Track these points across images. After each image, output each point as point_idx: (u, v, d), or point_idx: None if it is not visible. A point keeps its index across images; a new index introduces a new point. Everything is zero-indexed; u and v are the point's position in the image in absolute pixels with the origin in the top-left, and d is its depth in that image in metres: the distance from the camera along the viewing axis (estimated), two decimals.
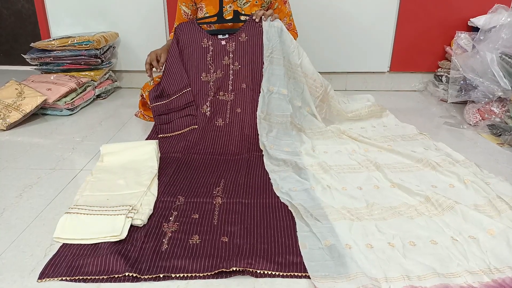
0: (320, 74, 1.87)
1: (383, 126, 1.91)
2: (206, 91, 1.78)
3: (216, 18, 1.80)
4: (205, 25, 1.84)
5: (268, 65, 1.75)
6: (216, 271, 0.96)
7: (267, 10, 1.92)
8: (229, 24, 1.85)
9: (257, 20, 1.78)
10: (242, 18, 1.81)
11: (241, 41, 1.79)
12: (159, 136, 1.71)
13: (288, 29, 1.87)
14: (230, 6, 1.83)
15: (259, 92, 1.74)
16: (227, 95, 1.78)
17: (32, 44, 2.31)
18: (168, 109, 1.74)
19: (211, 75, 1.78)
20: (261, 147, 1.59)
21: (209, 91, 1.77)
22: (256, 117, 1.68)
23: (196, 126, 1.72)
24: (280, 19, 1.86)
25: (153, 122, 1.80)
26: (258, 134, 1.64)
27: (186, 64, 1.80)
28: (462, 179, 1.36)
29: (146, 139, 1.73)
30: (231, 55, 1.78)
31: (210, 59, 1.79)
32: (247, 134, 1.68)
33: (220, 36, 1.80)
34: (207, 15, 1.84)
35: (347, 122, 1.92)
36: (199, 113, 1.75)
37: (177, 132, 1.72)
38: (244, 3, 1.85)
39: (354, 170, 1.46)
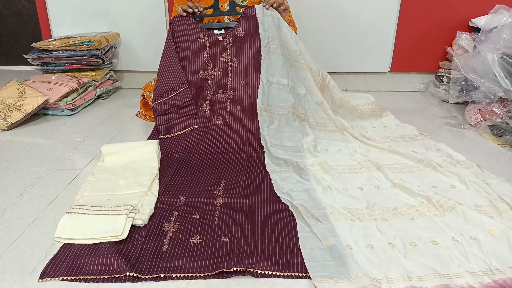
0: (318, 64, 1.84)
1: (383, 127, 1.91)
2: (205, 89, 1.76)
3: (212, 10, 1.78)
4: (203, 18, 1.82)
5: (265, 55, 1.73)
6: (217, 271, 0.96)
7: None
8: (226, 18, 1.83)
9: (267, 7, 1.74)
10: (239, 10, 1.77)
11: (238, 36, 1.76)
12: (159, 137, 1.70)
13: (289, 25, 1.87)
14: (227, 5, 1.82)
15: (259, 86, 1.73)
16: (226, 93, 1.76)
17: (33, 44, 2.31)
18: (167, 109, 1.71)
19: (209, 72, 1.76)
20: (262, 142, 1.59)
21: (208, 89, 1.76)
22: (256, 113, 1.67)
23: (197, 126, 1.71)
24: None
25: (154, 123, 1.80)
26: (259, 129, 1.63)
27: (183, 60, 1.76)
28: (463, 179, 1.36)
29: (147, 140, 1.73)
30: (228, 52, 1.76)
31: (207, 56, 1.76)
32: (248, 130, 1.67)
33: (216, 32, 1.77)
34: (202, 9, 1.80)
35: (349, 115, 1.90)
36: (198, 112, 1.74)
37: (177, 133, 1.70)
38: (242, 1, 1.84)
39: (355, 170, 1.46)
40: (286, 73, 1.73)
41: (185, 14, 1.74)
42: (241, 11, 1.78)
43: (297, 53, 1.76)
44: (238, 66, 1.76)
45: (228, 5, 1.81)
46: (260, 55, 1.74)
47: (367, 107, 1.99)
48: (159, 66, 1.76)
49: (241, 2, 1.84)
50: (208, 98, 1.75)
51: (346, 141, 1.67)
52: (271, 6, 1.75)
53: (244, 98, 1.75)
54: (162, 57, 1.76)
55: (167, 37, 1.78)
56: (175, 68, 1.74)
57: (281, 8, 1.76)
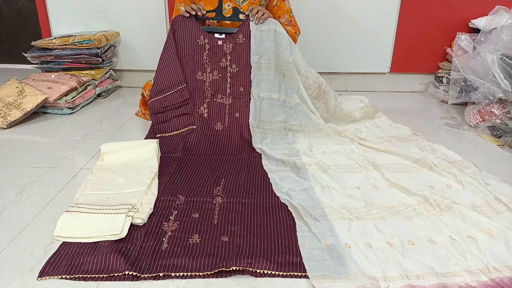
0: (313, 71, 1.85)
1: (376, 127, 1.91)
2: (202, 90, 1.76)
3: (214, 14, 1.79)
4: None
5: (256, 71, 1.74)
6: (216, 270, 0.97)
7: (266, 8, 1.92)
8: (228, 22, 1.84)
9: (251, 19, 1.76)
10: (241, 16, 1.79)
11: (238, 42, 1.77)
12: (157, 136, 1.70)
13: (289, 25, 1.86)
14: (228, 5, 1.83)
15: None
16: (225, 99, 1.76)
17: (33, 43, 2.31)
18: (164, 107, 1.72)
19: (207, 75, 1.76)
20: (259, 151, 1.60)
21: (206, 92, 1.76)
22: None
23: (194, 127, 1.71)
24: (280, 16, 1.85)
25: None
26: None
27: (182, 59, 1.77)
28: (459, 179, 1.36)
29: (144, 139, 1.73)
30: (228, 57, 1.77)
31: (206, 58, 1.77)
32: (247, 139, 1.67)
33: (216, 35, 1.78)
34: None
35: (342, 122, 1.91)
36: (196, 113, 1.74)
37: (174, 132, 1.71)
38: (242, 1, 1.85)
39: (352, 169, 1.46)
40: (278, 86, 1.75)
41: (187, 15, 1.75)
42: (243, 18, 1.78)
43: (289, 63, 1.77)
44: (238, 72, 1.77)
45: (228, 4, 1.82)
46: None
47: (360, 112, 1.99)
48: (158, 64, 1.76)
49: (241, 2, 1.85)
50: (206, 101, 1.76)
51: (344, 143, 1.67)
52: (260, 18, 1.75)
53: (242, 106, 1.75)
54: (161, 55, 1.76)
55: (168, 36, 1.78)
56: (174, 66, 1.74)
57: (261, 21, 1.76)
